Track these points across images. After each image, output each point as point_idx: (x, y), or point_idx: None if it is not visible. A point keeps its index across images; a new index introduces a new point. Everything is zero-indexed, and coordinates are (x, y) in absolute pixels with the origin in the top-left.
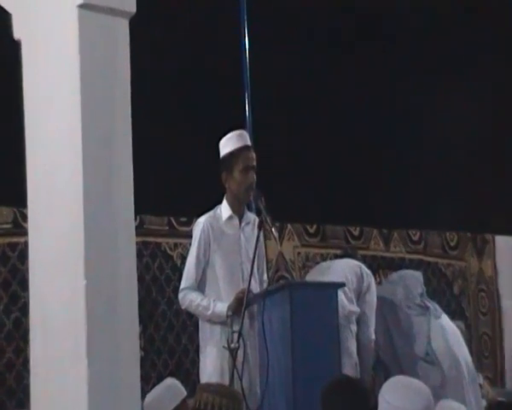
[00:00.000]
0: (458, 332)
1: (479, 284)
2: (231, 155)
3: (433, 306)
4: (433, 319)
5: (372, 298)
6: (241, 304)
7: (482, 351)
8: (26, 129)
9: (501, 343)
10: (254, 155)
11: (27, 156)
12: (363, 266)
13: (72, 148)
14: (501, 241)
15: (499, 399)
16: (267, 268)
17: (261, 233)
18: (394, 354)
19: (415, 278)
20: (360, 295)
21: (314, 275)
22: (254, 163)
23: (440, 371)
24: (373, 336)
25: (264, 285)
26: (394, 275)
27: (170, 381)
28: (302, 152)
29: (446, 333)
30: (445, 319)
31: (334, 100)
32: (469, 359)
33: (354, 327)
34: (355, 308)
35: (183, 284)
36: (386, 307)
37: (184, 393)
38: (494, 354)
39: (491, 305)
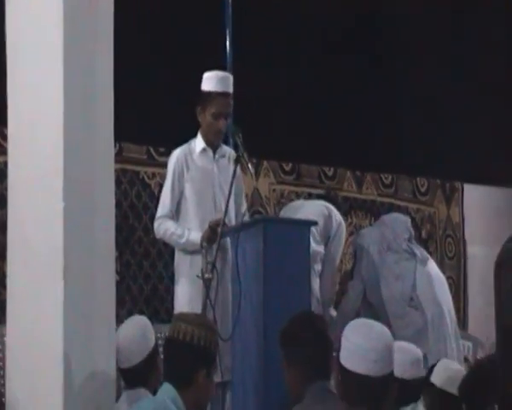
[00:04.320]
0: (444, 280)
1: (446, 229)
2: (208, 94)
3: (420, 252)
4: (419, 265)
5: (339, 242)
6: (214, 234)
7: None
8: (8, 50)
9: (465, 288)
10: (231, 103)
11: (8, 74)
12: (335, 211)
13: (53, 70)
14: (469, 189)
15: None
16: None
17: (238, 168)
18: (380, 297)
19: (402, 222)
20: (329, 239)
21: (285, 213)
22: (229, 110)
23: (423, 315)
24: (335, 277)
25: (245, 219)
26: (384, 218)
27: (144, 323)
28: (281, 90)
29: (432, 280)
30: (432, 266)
31: (316, 37)
32: (452, 308)
33: (318, 266)
34: (320, 248)
35: (158, 213)
36: (374, 250)
37: (153, 341)
38: (458, 298)
39: (457, 250)
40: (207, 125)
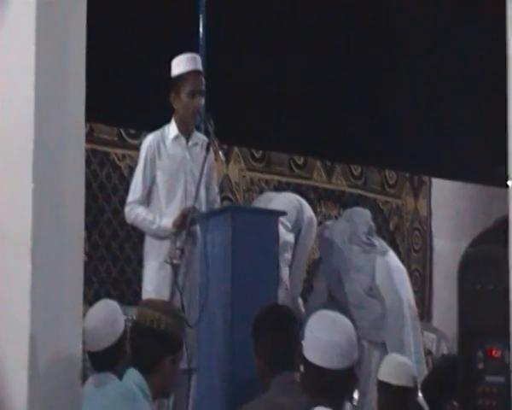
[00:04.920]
0: (404, 272)
1: (413, 222)
2: (180, 77)
3: (380, 243)
4: (378, 257)
5: (310, 236)
6: (185, 220)
7: (412, 286)
8: None
9: (430, 281)
10: (203, 80)
11: None
12: (307, 206)
13: (25, 51)
14: (438, 184)
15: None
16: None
17: (210, 155)
18: (343, 289)
19: (362, 215)
20: (300, 233)
21: (258, 204)
22: (202, 88)
23: (382, 304)
24: (304, 267)
25: (216, 206)
26: (346, 212)
27: (114, 308)
28: (254, 76)
29: (391, 271)
30: (392, 258)
31: (291, 23)
32: (412, 300)
33: (288, 256)
34: (290, 238)
35: (129, 199)
36: (338, 243)
37: (123, 326)
38: (423, 291)
39: (424, 243)
40: (184, 107)
